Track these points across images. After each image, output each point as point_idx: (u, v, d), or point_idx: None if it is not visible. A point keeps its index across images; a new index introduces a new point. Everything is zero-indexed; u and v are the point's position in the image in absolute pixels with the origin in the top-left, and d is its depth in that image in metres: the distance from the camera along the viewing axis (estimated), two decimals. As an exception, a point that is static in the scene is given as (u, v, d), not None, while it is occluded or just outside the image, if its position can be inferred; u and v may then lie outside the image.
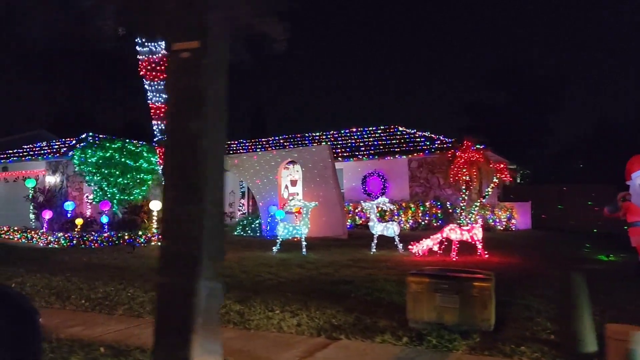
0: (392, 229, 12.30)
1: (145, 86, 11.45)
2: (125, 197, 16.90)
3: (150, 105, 11.54)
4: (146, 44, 11.08)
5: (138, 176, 17.05)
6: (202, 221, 2.85)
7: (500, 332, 5.17)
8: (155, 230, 15.21)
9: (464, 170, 16.25)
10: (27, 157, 19.12)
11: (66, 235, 13.98)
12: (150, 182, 17.70)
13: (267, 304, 6.35)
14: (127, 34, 11.13)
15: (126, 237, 14.09)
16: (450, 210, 17.86)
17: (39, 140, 31.57)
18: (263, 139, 28.02)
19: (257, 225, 17.58)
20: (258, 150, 24.62)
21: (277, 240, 11.96)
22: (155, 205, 16.74)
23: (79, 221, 15.93)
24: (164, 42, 11.40)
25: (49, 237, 14.21)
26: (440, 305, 5.35)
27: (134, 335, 5.17)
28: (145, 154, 17.18)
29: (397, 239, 12.16)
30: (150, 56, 11.20)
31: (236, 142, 28.80)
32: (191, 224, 2.88)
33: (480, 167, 16.26)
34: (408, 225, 18.17)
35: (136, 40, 11.15)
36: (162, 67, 11.30)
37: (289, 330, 5.27)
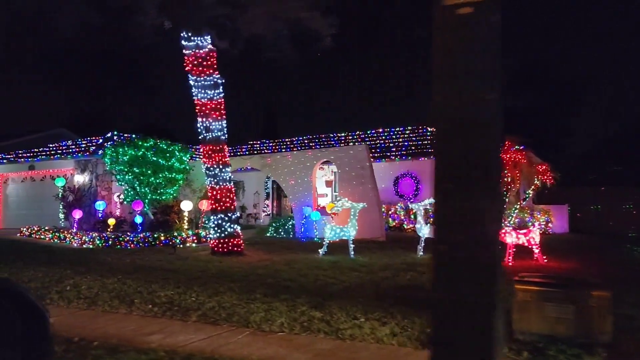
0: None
1: (191, 82, 11.06)
2: (157, 197, 16.55)
3: (195, 102, 11.15)
4: (192, 38, 10.71)
5: (170, 176, 16.69)
6: (498, 221, 2.30)
7: (619, 346, 4.72)
8: (191, 232, 14.85)
9: (506, 171, 15.75)
10: (56, 156, 18.83)
11: (101, 236, 13.64)
12: (181, 182, 17.34)
13: (346, 311, 5.94)
14: (172, 28, 10.81)
15: (162, 238, 13.72)
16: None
17: (60, 139, 31.51)
18: (287, 139, 27.52)
19: (290, 226, 17.17)
20: (283, 150, 24.24)
21: (324, 243, 11.55)
22: (187, 206, 16.41)
23: (111, 221, 15.61)
24: (209, 36, 11.07)
25: (84, 237, 13.88)
26: (552, 316, 4.91)
27: (222, 345, 4.77)
28: (177, 153, 16.82)
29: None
30: (196, 51, 10.81)
31: (259, 142, 28.41)
32: (483, 225, 2.37)
33: (523, 169, 15.75)
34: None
35: (181, 34, 10.79)
36: (209, 62, 10.91)
37: (389, 342, 4.84)
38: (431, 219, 16.65)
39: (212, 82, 10.97)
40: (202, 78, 10.89)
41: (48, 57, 54.15)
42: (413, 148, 20.31)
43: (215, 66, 11.04)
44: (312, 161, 16.77)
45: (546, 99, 38.15)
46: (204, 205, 16.54)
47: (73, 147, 20.54)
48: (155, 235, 13.74)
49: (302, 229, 16.57)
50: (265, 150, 25.85)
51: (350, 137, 24.91)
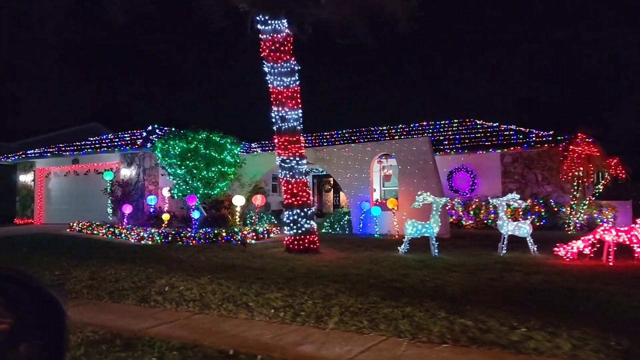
0: (524, 229, 11.12)
1: (265, 68, 10.42)
2: (209, 192, 16.00)
3: (270, 90, 10.51)
4: (269, 22, 10.06)
5: (222, 169, 16.13)
6: None
7: None
8: (249, 227, 14.28)
9: (578, 165, 14.90)
10: (102, 149, 18.38)
11: (160, 232, 13.12)
12: (231, 176, 16.77)
13: (495, 319, 5.25)
14: (247, 12, 10.18)
15: (224, 234, 13.16)
16: (556, 209, 16.50)
17: (94, 133, 31.22)
18: (326, 132, 26.63)
19: (346, 222, 16.53)
20: (325, 143, 23.52)
21: (405, 240, 10.86)
22: (239, 201, 15.84)
23: (165, 216, 15.10)
24: (286, 20, 10.41)
25: (142, 233, 13.37)
26: None
27: (398, 356, 4.12)
28: (228, 146, 16.23)
29: (530, 239, 10.97)
30: (274, 35, 10.16)
31: (316, 134, 27.07)
32: None
33: (596, 162, 14.89)
34: (507, 225, 16.82)
35: (257, 18, 10.16)
36: (286, 48, 10.26)
37: (587, 358, 4.14)
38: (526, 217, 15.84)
39: (288, 69, 10.33)
40: (278, 64, 10.24)
41: (75, 51, 54.15)
42: (467, 141, 19.49)
43: (291, 52, 10.39)
44: (371, 154, 16.08)
45: (589, 91, 36.99)
46: (258, 200, 15.96)
47: (117, 140, 20.10)
48: (217, 231, 13.17)
49: (361, 225, 15.90)
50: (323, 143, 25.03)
51: (392, 131, 24.12)
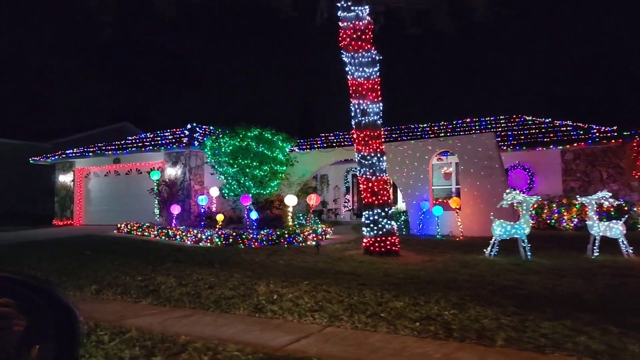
0: (616, 229, 10.30)
1: (345, 59, 9.75)
2: (261, 191, 15.39)
3: (350, 82, 9.83)
4: (352, 8, 9.38)
5: (275, 168, 15.51)
6: None
7: None
8: (308, 228, 13.63)
9: None
10: (147, 148, 17.84)
11: (219, 233, 12.52)
12: (282, 175, 16.14)
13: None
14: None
15: (287, 236, 12.52)
16: (626, 208, 15.60)
17: (124, 133, 30.85)
18: (390, 127, 25.22)
19: (403, 222, 15.79)
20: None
21: (492, 241, 10.11)
22: (291, 200, 15.18)
23: (220, 217, 14.50)
24: (367, 6, 9.72)
25: (199, 235, 12.78)
26: None
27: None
28: (279, 143, 15.61)
29: (624, 240, 10.17)
30: (355, 23, 9.48)
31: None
32: None
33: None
34: (572, 225, 15.99)
35: (339, 4, 9.49)
36: (367, 36, 9.58)
37: None
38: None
39: (369, 59, 9.64)
40: (359, 54, 9.56)
41: (101, 51, 54.08)
42: (522, 138, 18.64)
43: (371, 41, 9.71)
44: (430, 152, 15.34)
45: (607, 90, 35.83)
46: (313, 199, 15.30)
47: (159, 139, 19.59)
48: (279, 233, 12.54)
49: (420, 225, 15.16)
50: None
51: (435, 128, 23.31)
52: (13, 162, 26.37)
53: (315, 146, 20.32)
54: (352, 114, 9.98)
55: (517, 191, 10.38)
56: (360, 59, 9.56)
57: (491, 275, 7.78)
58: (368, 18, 9.56)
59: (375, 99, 9.79)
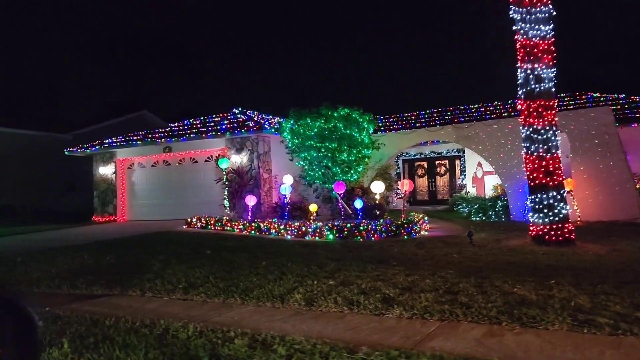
0: None
1: (515, 15, 8.32)
2: (348, 177, 13.91)
3: (520, 43, 8.39)
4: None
5: (363, 151, 14.05)
6: None
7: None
8: (414, 217, 12.23)
9: None
10: (209, 134, 16.12)
11: (331, 226, 11.05)
12: (367, 160, 14.68)
13: None
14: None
15: (406, 226, 11.10)
16: None
17: (144, 123, 28.99)
18: (462, 107, 22.46)
19: (501, 208, 14.46)
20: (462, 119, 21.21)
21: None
22: (378, 187, 13.71)
23: (313, 207, 13.01)
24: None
25: (304, 228, 11.30)
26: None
27: None
28: (365, 125, 14.12)
29: None
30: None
31: (452, 108, 22.02)
32: None
33: None
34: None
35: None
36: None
37: None
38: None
39: (545, 15, 8.21)
40: (536, 9, 8.10)
41: (113, 40, 51.64)
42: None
43: (549, -8, 8.26)
44: (534, 129, 13.97)
45: None
46: (406, 185, 13.85)
47: (212, 124, 17.90)
48: (399, 223, 11.12)
49: (525, 211, 13.82)
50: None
51: (490, 109, 21.82)
52: (31, 155, 24.49)
53: (393, 127, 18.70)
54: (521, 81, 8.55)
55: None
56: (537, 14, 8.12)
57: None
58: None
59: (550, 63, 8.37)
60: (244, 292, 5.64)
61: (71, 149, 19.35)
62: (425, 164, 23.40)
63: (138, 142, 17.69)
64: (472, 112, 20.21)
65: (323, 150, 13.36)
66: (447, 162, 22.77)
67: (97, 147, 18.70)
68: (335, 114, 13.51)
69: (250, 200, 14.04)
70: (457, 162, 22.33)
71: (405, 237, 10.88)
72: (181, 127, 18.65)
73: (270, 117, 19.83)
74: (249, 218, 13.69)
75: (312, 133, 13.49)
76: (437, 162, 23.00)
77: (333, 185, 12.99)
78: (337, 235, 10.85)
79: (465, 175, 21.48)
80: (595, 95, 20.20)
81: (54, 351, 3.73)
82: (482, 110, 20.33)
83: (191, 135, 16.49)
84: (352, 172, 13.95)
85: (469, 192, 19.75)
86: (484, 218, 14.47)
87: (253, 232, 12.43)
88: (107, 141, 18.93)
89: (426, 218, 13.44)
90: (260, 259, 7.99)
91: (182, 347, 3.76)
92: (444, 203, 21.05)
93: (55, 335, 4.16)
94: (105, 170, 19.11)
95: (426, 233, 11.71)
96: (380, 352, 3.58)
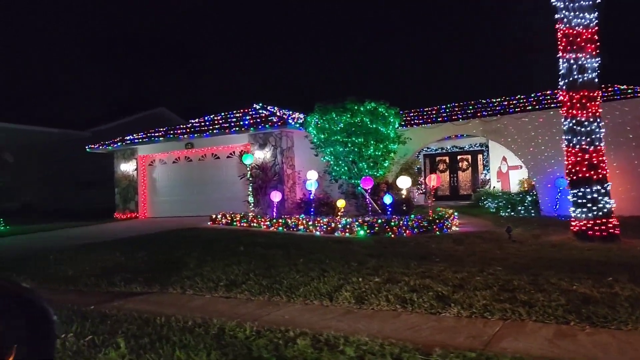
0: None
1: (559, 4, 8.04)
2: (374, 173, 13.70)
3: (563, 31, 8.13)
4: None
5: (389, 146, 13.82)
6: None
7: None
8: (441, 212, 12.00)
9: None
10: (232, 129, 15.98)
11: (361, 221, 10.87)
12: (393, 155, 14.44)
13: None
14: None
15: (437, 222, 10.88)
16: None
17: (161, 119, 28.96)
18: (494, 100, 21.79)
19: (530, 202, 14.16)
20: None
21: None
22: (404, 183, 13.48)
23: (341, 203, 12.82)
24: None
25: (333, 224, 11.12)
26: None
27: None
28: (391, 119, 13.87)
29: None
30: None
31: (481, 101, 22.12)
32: None
33: None
34: None
35: None
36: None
37: None
38: None
39: (589, 3, 7.92)
40: (582, -7, 7.82)
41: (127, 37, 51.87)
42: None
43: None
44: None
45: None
46: (433, 180, 13.59)
47: (234, 120, 17.76)
48: (430, 219, 10.90)
49: (557, 206, 13.52)
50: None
51: (514, 102, 21.35)
52: (48, 153, 24.62)
53: (414, 122, 18.35)
54: (564, 71, 8.28)
55: None
56: (582, 1, 7.83)
57: None
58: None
59: (594, 53, 8.08)
60: (289, 290, 5.47)
61: (92, 146, 19.34)
62: (446, 158, 23.07)
63: (160, 139, 17.62)
64: (495, 106, 19.64)
65: (350, 145, 13.17)
66: (469, 156, 22.41)
67: (118, 143, 18.67)
68: (362, 108, 13.30)
69: (276, 197, 13.89)
70: (480, 156, 21.94)
71: (438, 232, 10.67)
72: (202, 123, 18.54)
73: (291, 112, 19.66)
74: (274, 214, 13.55)
75: (338, 128, 13.30)
76: (459, 157, 22.66)
77: (360, 181, 12.79)
78: (367, 231, 10.66)
79: (488, 170, 21.09)
80: (622, 87, 19.70)
81: (110, 352, 3.59)
82: (505, 104, 19.78)
83: (214, 131, 16.39)
84: (378, 167, 13.73)
85: (494, 187, 19.40)
86: (512, 213, 14.18)
87: (280, 228, 12.29)
88: (128, 138, 18.90)
89: (456, 213, 13.18)
90: (295, 255, 7.82)
91: (242, 348, 3.60)
92: (466, 198, 20.75)
93: (107, 334, 4.03)
94: (127, 167, 19.09)
95: (457, 229, 11.49)
96: (455, 353, 3.38)
